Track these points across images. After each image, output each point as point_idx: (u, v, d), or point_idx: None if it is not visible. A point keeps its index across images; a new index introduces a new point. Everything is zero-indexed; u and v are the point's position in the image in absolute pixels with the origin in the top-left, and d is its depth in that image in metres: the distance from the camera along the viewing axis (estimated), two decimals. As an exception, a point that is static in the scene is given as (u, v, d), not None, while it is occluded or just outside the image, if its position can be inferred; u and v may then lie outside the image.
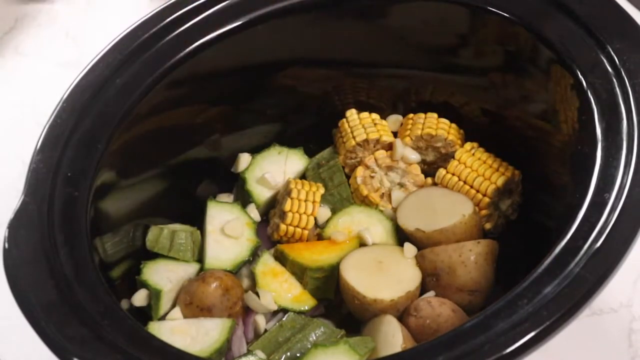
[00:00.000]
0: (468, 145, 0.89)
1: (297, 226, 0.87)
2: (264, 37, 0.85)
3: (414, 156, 0.90)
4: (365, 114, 0.93)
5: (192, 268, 0.84)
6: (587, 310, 0.63)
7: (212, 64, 0.85)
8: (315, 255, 0.84)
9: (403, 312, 0.78)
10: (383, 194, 0.90)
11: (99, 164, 0.76)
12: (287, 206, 0.86)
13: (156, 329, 0.77)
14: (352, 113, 0.93)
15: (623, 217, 0.63)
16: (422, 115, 0.92)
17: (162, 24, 0.82)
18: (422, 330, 0.75)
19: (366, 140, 0.90)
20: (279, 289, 0.83)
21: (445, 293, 0.79)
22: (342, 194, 0.91)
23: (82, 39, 1.21)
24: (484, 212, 0.85)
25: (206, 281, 0.80)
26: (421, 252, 0.81)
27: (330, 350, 0.73)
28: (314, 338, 0.77)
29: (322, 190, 0.89)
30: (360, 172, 0.91)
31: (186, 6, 0.83)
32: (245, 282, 0.85)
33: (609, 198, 0.64)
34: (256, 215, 0.90)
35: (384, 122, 0.94)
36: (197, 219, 0.88)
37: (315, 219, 0.88)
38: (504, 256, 0.81)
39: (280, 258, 0.85)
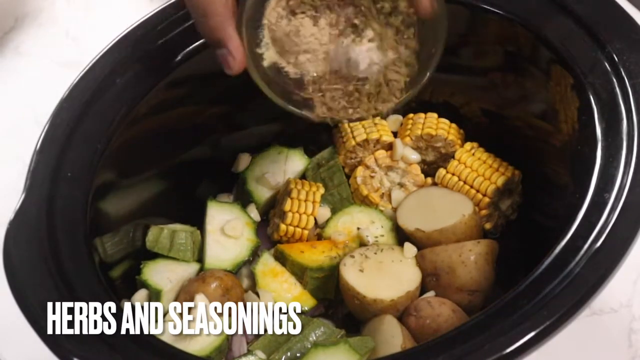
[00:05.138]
0: (468, 145, 0.89)
1: (297, 226, 0.87)
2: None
3: (414, 156, 0.90)
4: (365, 114, 0.93)
5: (192, 268, 0.84)
6: (587, 310, 0.63)
7: (212, 63, 0.85)
8: (315, 255, 0.84)
9: (403, 312, 0.78)
10: (383, 194, 0.90)
11: (99, 164, 0.76)
12: (287, 206, 0.86)
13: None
14: (352, 113, 0.93)
15: (623, 217, 0.63)
16: (422, 115, 0.92)
17: (162, 24, 0.82)
18: (422, 330, 0.75)
19: (366, 140, 0.90)
20: (279, 288, 0.83)
21: (445, 293, 0.79)
22: (342, 194, 0.91)
23: (82, 39, 1.21)
24: (484, 212, 0.85)
25: (206, 281, 0.80)
26: (421, 252, 0.81)
27: (330, 350, 0.72)
28: (314, 338, 0.77)
29: (322, 190, 0.89)
30: (360, 172, 0.91)
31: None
32: (245, 282, 0.85)
33: (609, 198, 0.64)
34: (256, 215, 0.90)
35: (384, 122, 0.94)
36: (197, 219, 0.88)
37: (315, 219, 0.88)
38: (504, 256, 0.81)
39: (280, 258, 0.85)
